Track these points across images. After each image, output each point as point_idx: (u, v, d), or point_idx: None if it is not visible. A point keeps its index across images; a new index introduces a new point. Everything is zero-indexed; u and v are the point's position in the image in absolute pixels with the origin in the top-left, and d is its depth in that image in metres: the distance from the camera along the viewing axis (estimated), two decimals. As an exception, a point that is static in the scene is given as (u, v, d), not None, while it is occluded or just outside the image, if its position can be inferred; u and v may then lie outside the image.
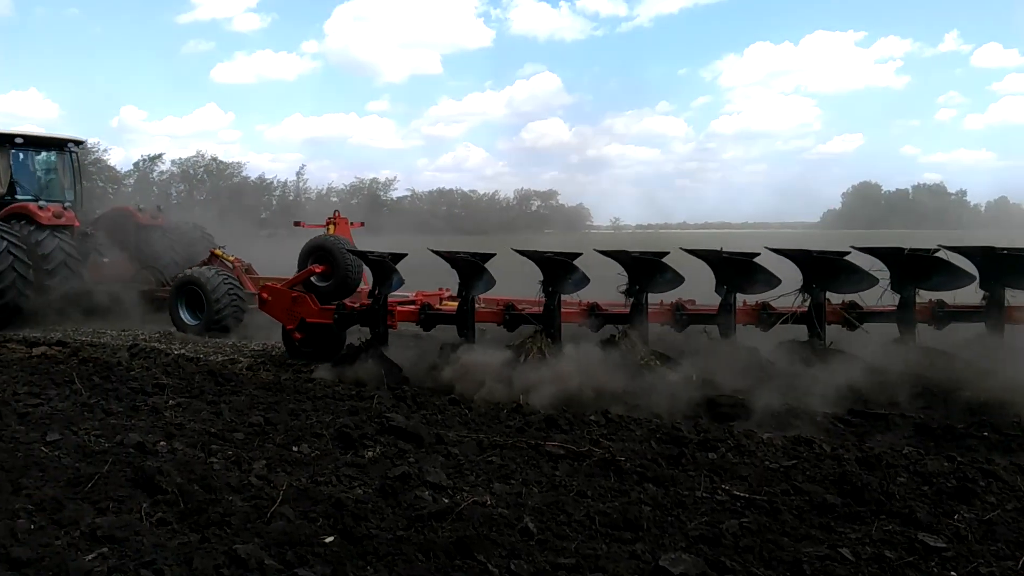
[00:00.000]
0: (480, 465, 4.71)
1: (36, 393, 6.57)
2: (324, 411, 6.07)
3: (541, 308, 7.36)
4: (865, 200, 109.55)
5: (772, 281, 6.92)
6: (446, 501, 4.05)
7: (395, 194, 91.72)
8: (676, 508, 3.95)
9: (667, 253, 7.20)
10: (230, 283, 11.70)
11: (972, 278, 6.74)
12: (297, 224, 13.37)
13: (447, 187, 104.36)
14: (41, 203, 13.28)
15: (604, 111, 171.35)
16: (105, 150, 69.37)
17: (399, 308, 8.08)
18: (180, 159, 78.05)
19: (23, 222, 12.79)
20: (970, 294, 7.03)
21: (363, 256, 8.32)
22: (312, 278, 8.77)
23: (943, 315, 7.10)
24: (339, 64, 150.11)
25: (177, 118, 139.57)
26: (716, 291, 7.18)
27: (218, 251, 13.21)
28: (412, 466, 4.57)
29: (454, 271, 7.61)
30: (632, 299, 7.27)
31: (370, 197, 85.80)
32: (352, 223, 13.31)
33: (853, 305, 7.21)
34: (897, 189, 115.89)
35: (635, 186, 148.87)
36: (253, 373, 8.03)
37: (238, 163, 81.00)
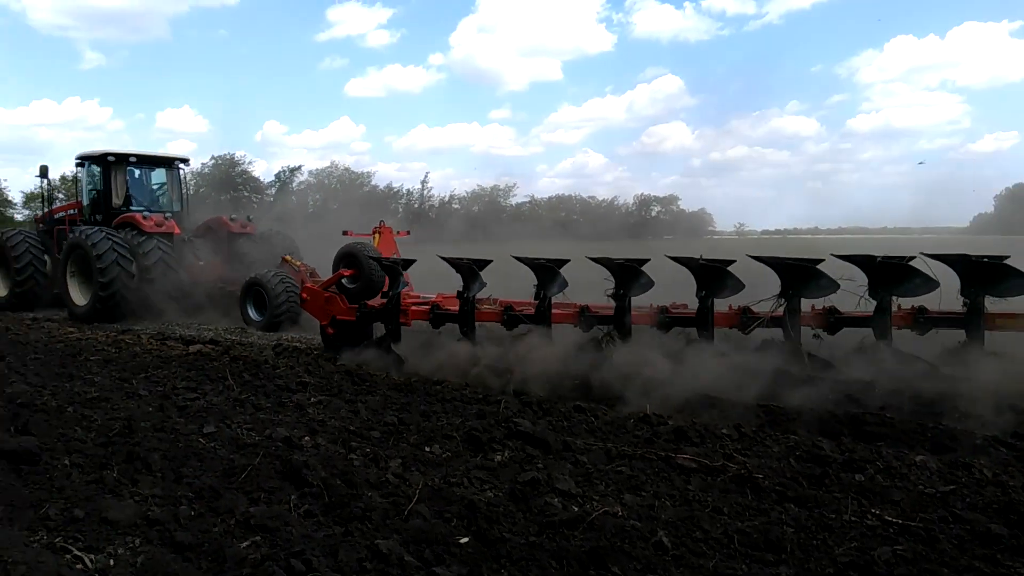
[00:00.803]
0: (609, 475, 4.66)
1: (193, 388, 7.11)
2: (453, 413, 6.21)
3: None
4: (1021, 203, 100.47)
5: (738, 286, 7.28)
6: (576, 509, 4.03)
7: (515, 200, 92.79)
8: (821, 531, 3.74)
9: (647, 260, 7.71)
10: (289, 286, 12.82)
11: (938, 283, 6.82)
12: (345, 233, 14.06)
13: (566, 193, 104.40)
14: (145, 213, 15.19)
15: (729, 113, 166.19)
16: (250, 163, 74.79)
17: (413, 308, 8.88)
18: (316, 170, 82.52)
19: (134, 232, 14.65)
20: (955, 302, 7.07)
21: (378, 261, 9.45)
22: (343, 280, 9.85)
23: (924, 321, 7.23)
24: (463, 75, 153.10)
25: (313, 131, 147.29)
26: (696, 295, 7.56)
27: (288, 257, 14.46)
28: (541, 472, 4.58)
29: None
30: (617, 302, 7.78)
31: (491, 204, 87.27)
32: (398, 232, 14.09)
33: (832, 310, 7.41)
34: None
35: (762, 190, 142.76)
36: (385, 374, 8.34)
37: (368, 173, 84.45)
